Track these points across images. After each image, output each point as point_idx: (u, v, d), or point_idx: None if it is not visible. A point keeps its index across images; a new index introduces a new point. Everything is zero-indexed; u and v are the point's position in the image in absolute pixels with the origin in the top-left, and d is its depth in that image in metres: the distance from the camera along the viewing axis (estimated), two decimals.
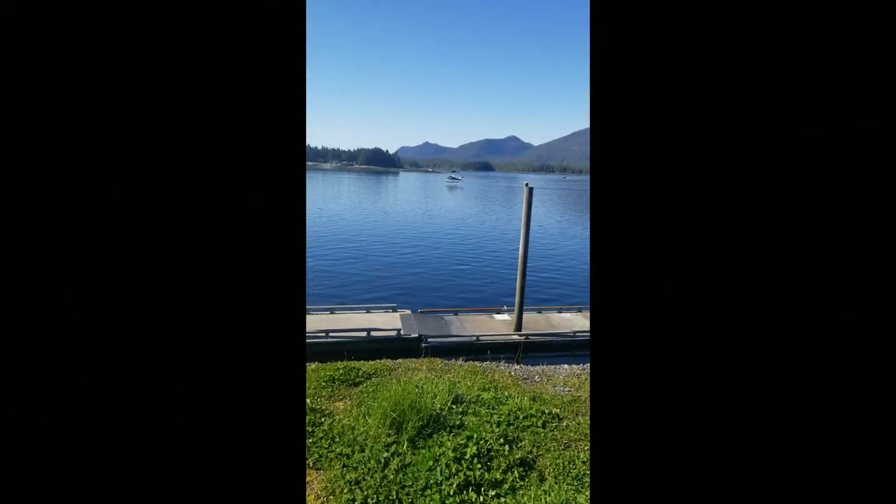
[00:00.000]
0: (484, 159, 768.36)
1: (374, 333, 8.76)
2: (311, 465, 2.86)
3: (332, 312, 10.00)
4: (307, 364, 4.88)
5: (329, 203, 41.98)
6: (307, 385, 4.15)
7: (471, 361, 5.45)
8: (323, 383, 4.16)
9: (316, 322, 9.37)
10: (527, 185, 8.79)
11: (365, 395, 3.86)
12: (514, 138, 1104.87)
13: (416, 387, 3.55)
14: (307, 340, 8.54)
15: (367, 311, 10.12)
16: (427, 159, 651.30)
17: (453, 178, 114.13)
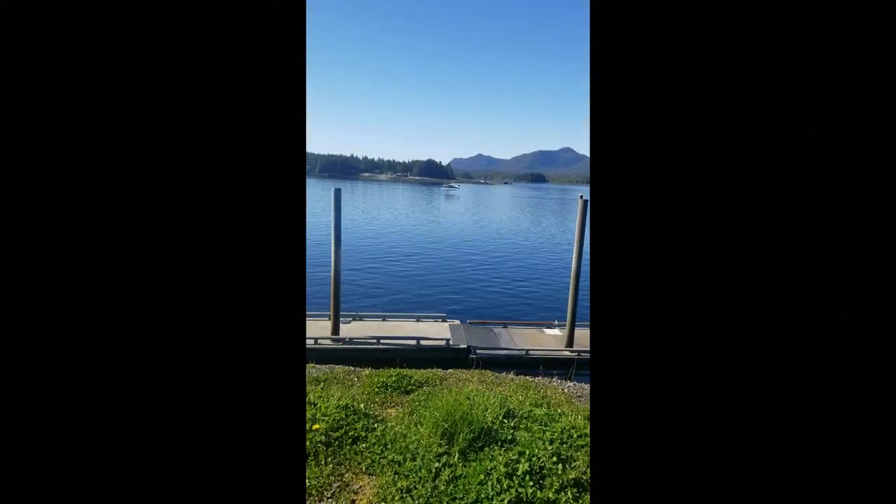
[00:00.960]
0: (537, 171, 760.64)
1: (423, 342, 8.81)
2: (363, 469, 2.90)
3: (383, 320, 10.15)
4: (362, 369, 4.97)
5: (383, 212, 42.80)
6: (362, 390, 4.23)
7: (522, 376, 5.37)
8: (376, 389, 4.22)
9: (368, 328, 9.54)
10: (581, 197, 8.62)
11: (417, 403, 3.88)
12: (568, 150, 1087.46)
13: (468, 398, 3.54)
14: (359, 346, 8.71)
15: (417, 320, 10.20)
16: (479, 171, 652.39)
17: (450, 187, 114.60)
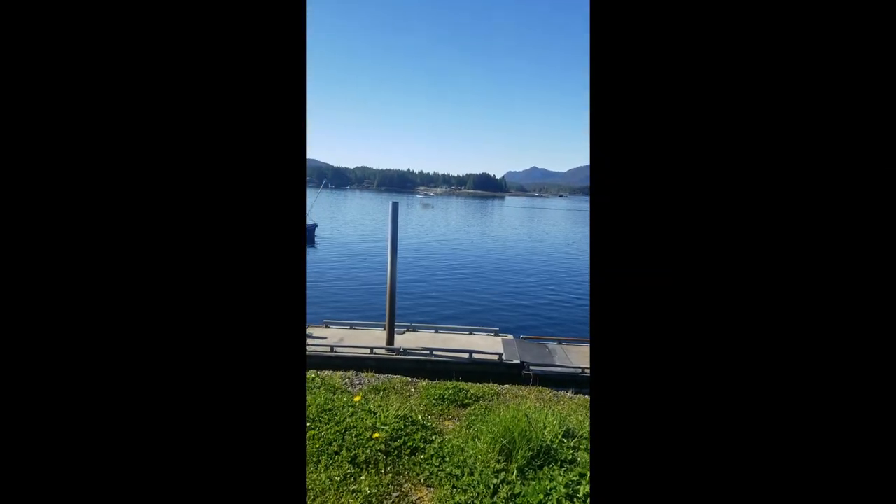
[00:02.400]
0: None
1: (475, 356, 8.77)
2: (421, 481, 2.91)
3: (436, 332, 10.20)
4: (419, 380, 5.01)
5: (437, 226, 43.24)
6: (419, 401, 4.26)
7: (581, 395, 5.22)
8: (433, 401, 4.24)
9: (421, 340, 9.61)
10: None
11: (474, 417, 3.86)
12: None
13: (526, 415, 3.48)
14: (413, 357, 8.79)
15: (470, 334, 10.17)
16: (534, 183, 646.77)
17: (427, 196, 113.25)
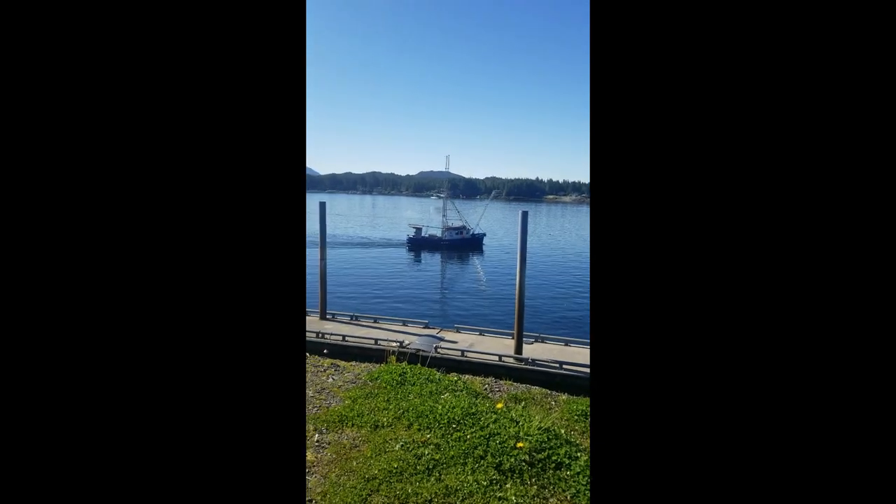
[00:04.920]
0: None
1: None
2: (567, 498, 2.83)
3: (566, 344, 9.92)
4: (559, 393, 4.90)
5: (566, 235, 42.21)
6: (560, 415, 4.17)
7: None
8: (575, 416, 4.12)
9: (550, 351, 9.41)
10: None
11: None
12: None
13: None
14: (541, 368, 8.64)
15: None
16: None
17: (438, 197, 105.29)
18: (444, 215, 33.41)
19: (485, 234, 31.84)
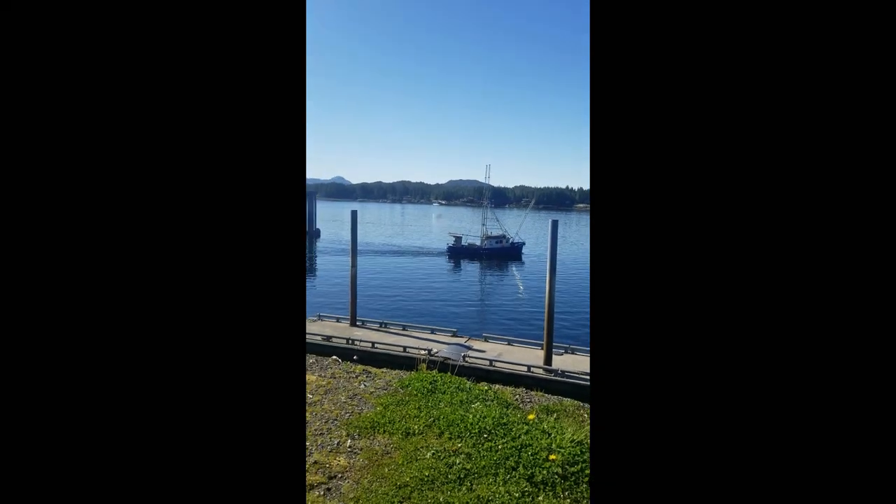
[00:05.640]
0: None
1: None
2: None
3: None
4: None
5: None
6: None
7: None
8: None
9: (580, 363, 9.27)
10: None
11: None
12: None
13: None
14: (571, 380, 8.50)
15: None
16: None
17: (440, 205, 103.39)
18: (483, 224, 33.47)
19: (524, 243, 31.82)
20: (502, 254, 31.46)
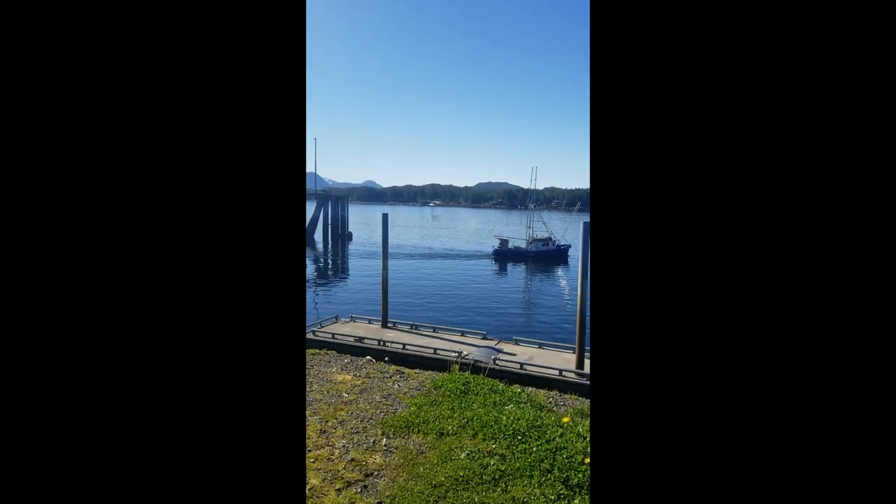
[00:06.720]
0: None
1: None
2: None
3: None
4: None
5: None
6: None
7: None
8: None
9: None
10: None
11: None
12: None
13: None
14: None
15: None
16: None
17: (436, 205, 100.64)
18: (529, 227, 33.27)
19: (570, 246, 31.43)
20: (549, 257, 31.17)
